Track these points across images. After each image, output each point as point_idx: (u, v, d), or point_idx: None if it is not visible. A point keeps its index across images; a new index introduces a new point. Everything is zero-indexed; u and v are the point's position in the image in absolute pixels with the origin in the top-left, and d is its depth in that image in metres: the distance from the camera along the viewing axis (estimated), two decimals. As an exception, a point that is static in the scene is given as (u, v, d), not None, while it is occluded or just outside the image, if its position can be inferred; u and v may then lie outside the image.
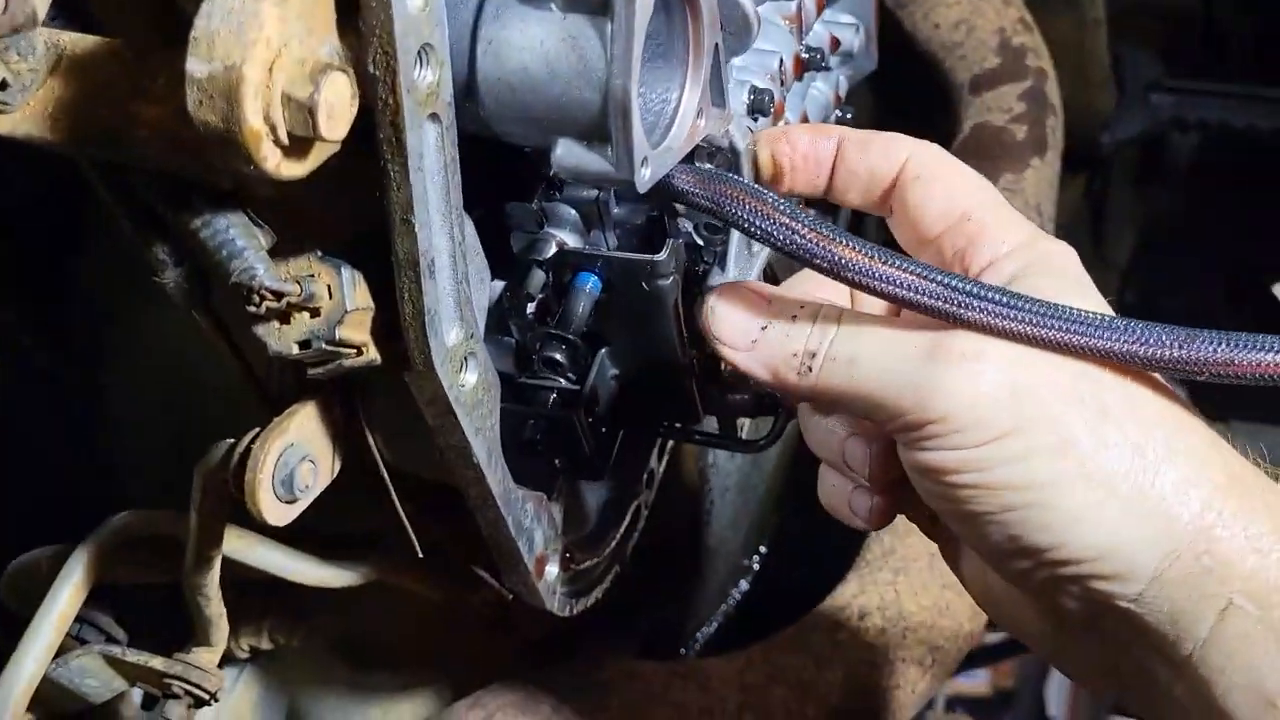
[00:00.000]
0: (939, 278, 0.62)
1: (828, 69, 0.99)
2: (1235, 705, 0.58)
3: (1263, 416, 1.84)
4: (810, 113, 0.95)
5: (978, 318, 0.61)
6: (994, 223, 0.67)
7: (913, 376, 0.61)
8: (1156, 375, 0.63)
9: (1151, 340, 0.60)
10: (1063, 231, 1.99)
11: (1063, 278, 0.64)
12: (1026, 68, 1.34)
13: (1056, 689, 3.21)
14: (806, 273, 0.73)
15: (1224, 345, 0.59)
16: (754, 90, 0.78)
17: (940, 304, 0.61)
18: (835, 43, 0.96)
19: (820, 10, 0.91)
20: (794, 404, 0.93)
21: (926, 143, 0.71)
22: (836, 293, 0.73)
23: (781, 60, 0.82)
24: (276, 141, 0.55)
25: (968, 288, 0.61)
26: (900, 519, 1.05)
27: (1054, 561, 0.61)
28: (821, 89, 0.98)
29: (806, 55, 0.89)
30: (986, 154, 1.29)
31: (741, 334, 0.68)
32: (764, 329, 0.68)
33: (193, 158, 0.60)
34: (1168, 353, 0.60)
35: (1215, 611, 0.58)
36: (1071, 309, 0.61)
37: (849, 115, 1.01)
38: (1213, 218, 2.31)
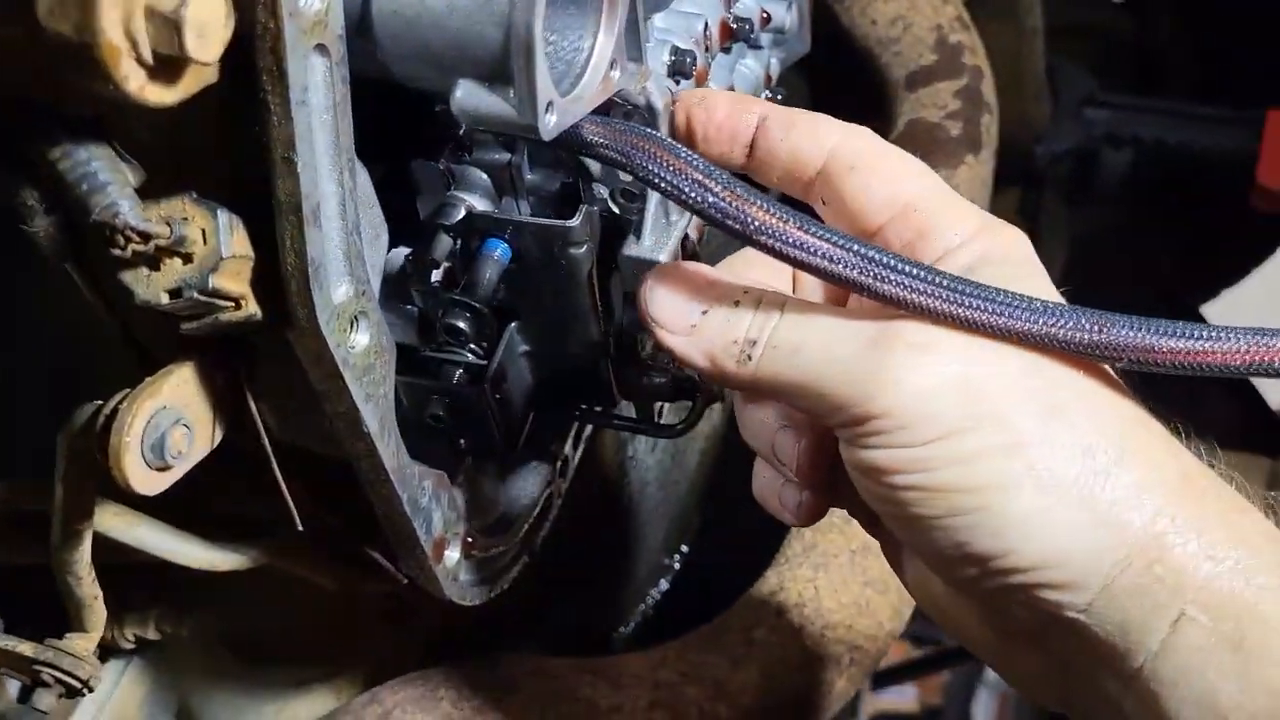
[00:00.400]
0: (856, 247, 0.59)
1: (759, 47, 0.96)
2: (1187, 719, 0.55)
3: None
4: (738, 88, 0.92)
5: (892, 290, 0.58)
6: (942, 212, 0.63)
7: (857, 367, 0.58)
8: (1109, 369, 0.60)
9: (1069, 323, 0.57)
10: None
11: (1019, 265, 0.61)
12: (963, 65, 1.33)
13: (984, 706, 3.22)
14: (746, 255, 0.70)
15: (1143, 331, 0.56)
16: (675, 51, 0.75)
17: (856, 275, 0.58)
18: (766, 18, 0.92)
19: (750, -20, 0.88)
20: (714, 391, 0.90)
21: (857, 128, 0.66)
22: (778, 278, 0.70)
23: (707, 24, 0.79)
24: (139, 60, 0.50)
25: (884, 259, 0.58)
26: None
27: (1001, 570, 0.57)
28: (751, 66, 0.95)
29: (735, 24, 0.86)
30: (921, 150, 1.27)
31: (680, 318, 0.64)
32: (704, 314, 0.64)
33: (50, 82, 0.55)
34: (1085, 336, 0.57)
35: (1167, 623, 0.55)
36: (987, 287, 0.58)
37: (779, 98, 0.98)
38: (1145, 234, 2.33)
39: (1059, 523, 0.56)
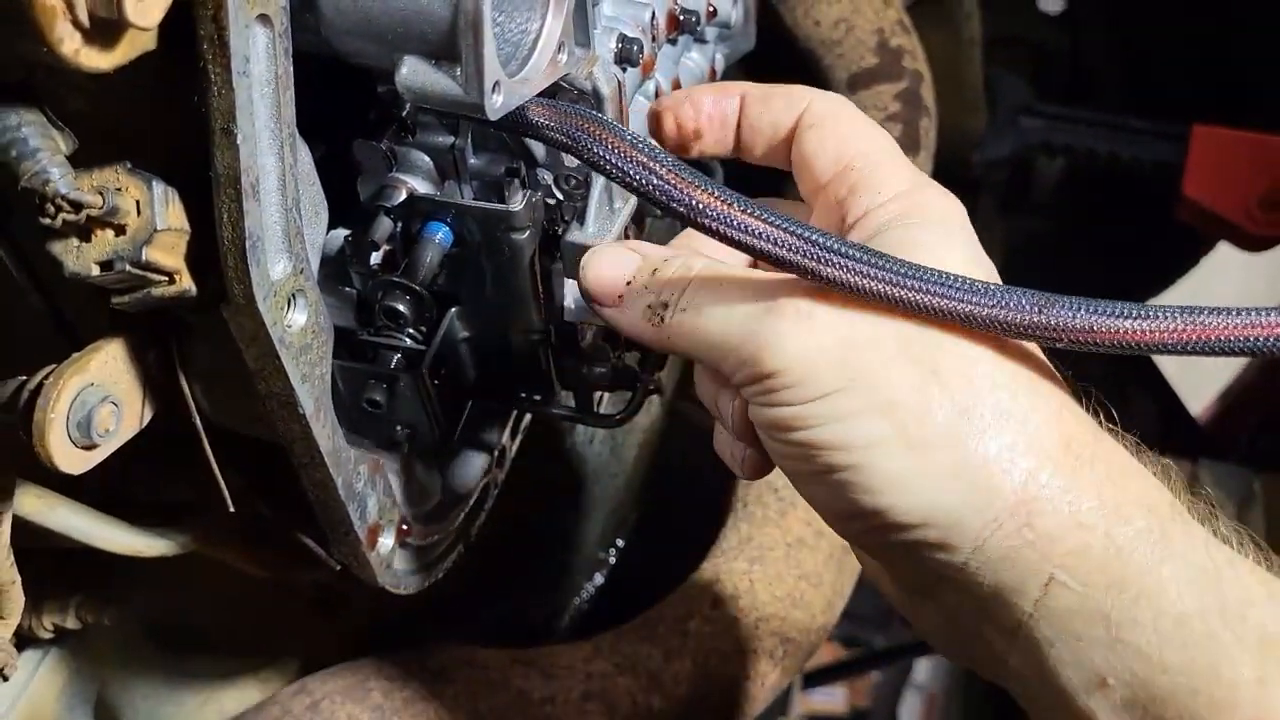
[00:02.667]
0: (797, 230, 0.59)
1: (704, 41, 0.96)
2: (1066, 680, 0.57)
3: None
4: (683, 82, 0.92)
5: (835, 274, 0.59)
6: (875, 171, 0.65)
7: (750, 329, 0.60)
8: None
9: (1010, 304, 0.57)
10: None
11: (940, 226, 0.62)
12: (903, 69, 1.35)
13: (910, 709, 3.26)
14: (692, 233, 0.71)
15: (1083, 311, 0.57)
16: (623, 39, 0.75)
17: (798, 257, 0.59)
18: (712, 11, 0.93)
19: (697, -27, 0.89)
20: (652, 383, 0.90)
21: (828, 94, 0.70)
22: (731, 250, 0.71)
23: (654, 14, 0.79)
24: (75, 22, 0.49)
25: (827, 243, 0.59)
26: (755, 503, 1.02)
27: (881, 526, 0.59)
28: (697, 60, 0.95)
29: (681, 16, 0.86)
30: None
31: (610, 290, 0.67)
32: (628, 284, 0.67)
33: (-20, 42, 0.53)
34: (1026, 317, 0.57)
35: (1038, 585, 0.57)
36: (931, 270, 0.59)
37: (725, 91, 0.99)
38: (1075, 242, 2.38)
39: (930, 481, 0.57)
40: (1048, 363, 0.62)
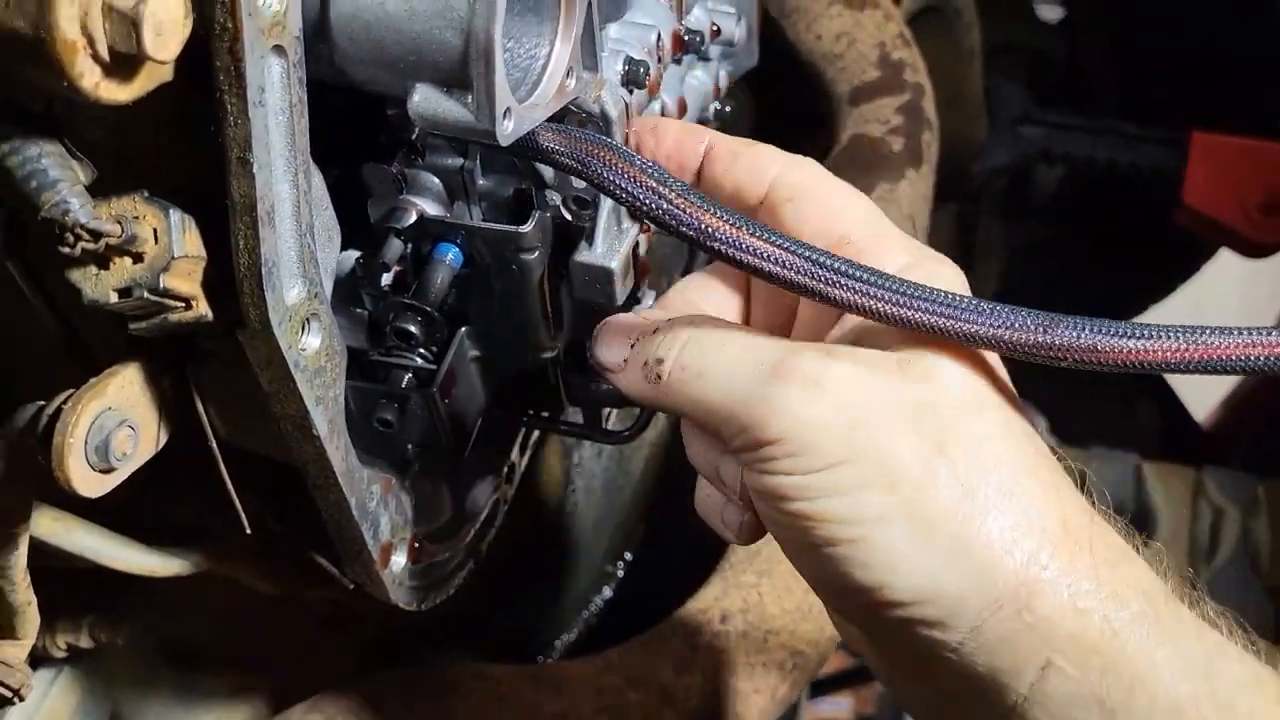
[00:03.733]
0: (805, 252, 0.60)
1: (708, 58, 0.97)
2: None
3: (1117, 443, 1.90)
4: (689, 100, 0.92)
5: (843, 295, 0.59)
6: (875, 244, 0.64)
7: (754, 393, 0.59)
8: (1012, 410, 0.61)
9: (1016, 324, 0.58)
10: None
11: None
12: (905, 82, 1.36)
13: (915, 715, 3.26)
14: (696, 280, 0.73)
15: (1087, 331, 0.57)
16: (629, 61, 0.76)
17: (806, 280, 0.60)
18: (716, 30, 0.94)
19: (702, -7, 0.90)
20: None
21: (798, 160, 0.68)
22: (729, 302, 0.72)
23: (659, 36, 0.80)
24: (95, 57, 0.50)
25: (834, 264, 0.59)
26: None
27: (878, 603, 0.58)
28: (701, 78, 0.96)
29: (686, 36, 0.87)
30: (863, 164, 1.29)
31: (616, 355, 0.67)
32: (632, 346, 0.66)
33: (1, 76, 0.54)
34: (1031, 337, 0.58)
35: (1035, 669, 0.56)
36: (936, 290, 0.59)
37: (728, 109, 1.00)
38: (1076, 250, 2.39)
39: (930, 560, 0.56)
40: (1044, 443, 0.62)
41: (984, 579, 0.56)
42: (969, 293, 0.64)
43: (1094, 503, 0.61)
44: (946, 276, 0.64)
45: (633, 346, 0.66)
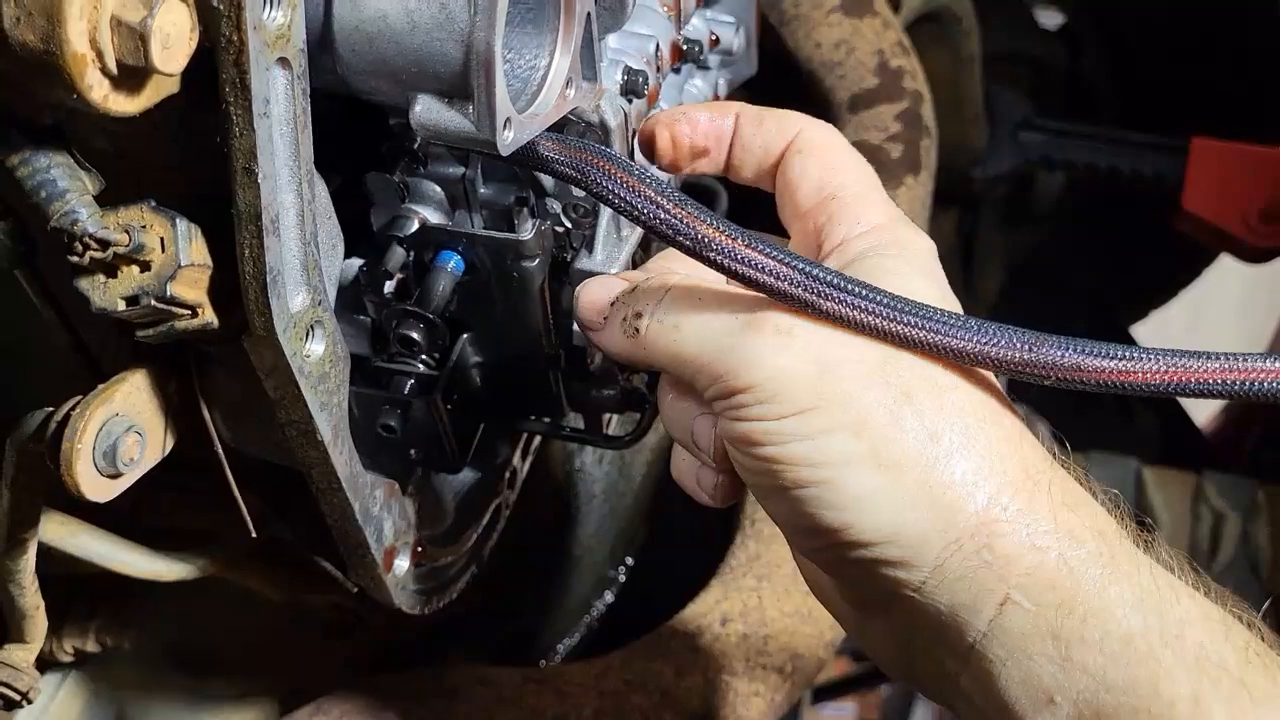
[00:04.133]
0: (800, 265, 0.61)
1: (707, 68, 0.98)
2: (1015, 698, 0.58)
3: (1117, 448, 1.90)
4: (687, 109, 0.93)
5: (834, 308, 0.61)
6: (856, 202, 0.67)
7: (728, 344, 0.62)
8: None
9: (1001, 342, 0.60)
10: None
11: (910, 262, 0.64)
12: (903, 89, 1.37)
13: (921, 720, 3.26)
14: (669, 253, 0.73)
15: (1071, 351, 0.59)
16: (628, 70, 0.77)
17: (799, 291, 0.61)
18: (714, 39, 0.95)
19: (700, 3, 0.91)
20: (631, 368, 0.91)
21: (819, 122, 0.71)
22: (707, 274, 0.73)
23: (658, 45, 0.81)
24: (104, 70, 0.51)
25: (827, 278, 0.61)
26: (764, 521, 1.03)
27: (842, 543, 0.60)
28: (700, 86, 0.97)
29: (685, 46, 0.88)
30: (862, 171, 1.30)
31: (597, 313, 0.70)
32: (612, 304, 0.69)
33: (11, 89, 0.55)
34: (1017, 355, 0.60)
35: (994, 605, 0.58)
36: (927, 307, 0.61)
37: (729, 116, 1.01)
38: (1076, 256, 2.40)
39: (896, 501, 0.59)
40: (1005, 394, 0.64)
41: (946, 520, 0.58)
42: (938, 265, 0.67)
43: (1054, 451, 0.63)
44: (915, 246, 0.66)
45: (612, 304, 0.68)
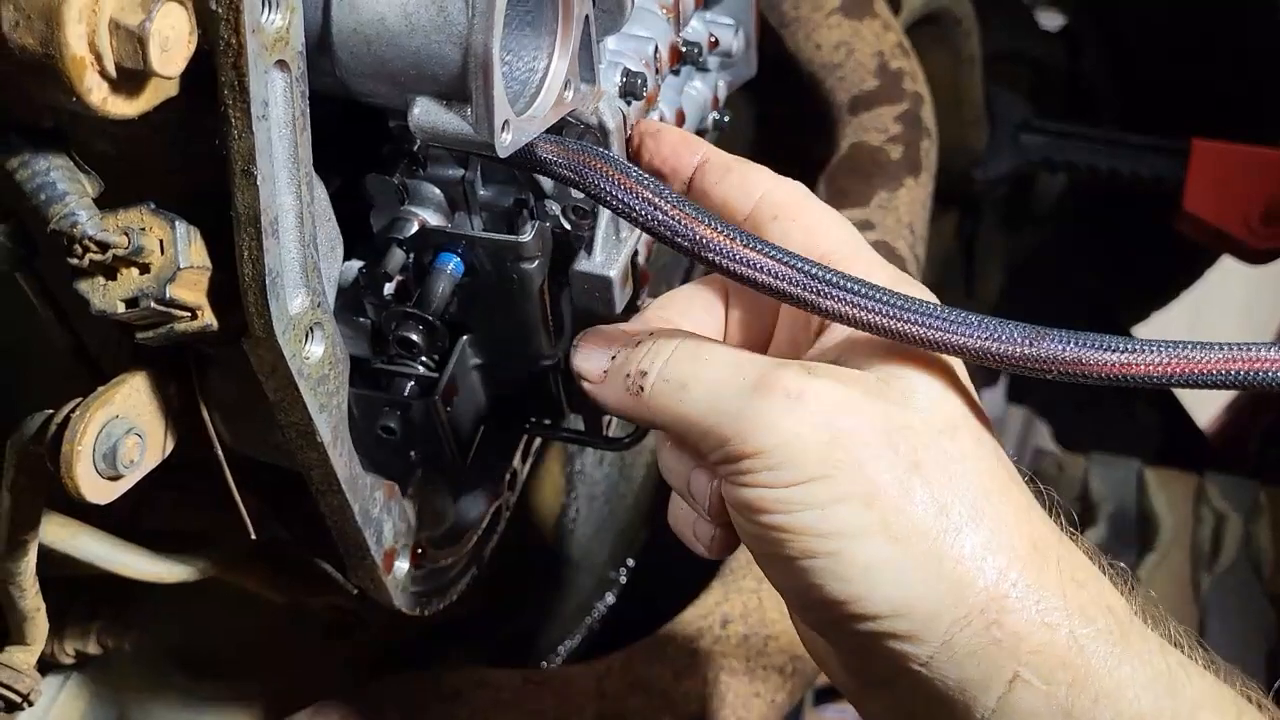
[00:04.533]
0: (799, 264, 0.61)
1: (707, 69, 0.98)
2: None
3: (1120, 448, 1.90)
4: (687, 110, 0.94)
5: (834, 306, 0.60)
6: (852, 264, 0.65)
7: (736, 407, 0.60)
8: (985, 432, 0.62)
9: (1002, 336, 0.59)
10: (935, 266, 2.05)
11: None
12: (904, 91, 1.37)
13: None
14: (682, 293, 0.73)
15: (1072, 344, 0.59)
16: (627, 73, 0.77)
17: (799, 291, 0.61)
18: (714, 41, 0.95)
19: (699, 5, 0.91)
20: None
21: (785, 181, 0.70)
22: (709, 314, 0.72)
23: (657, 48, 0.81)
24: (103, 73, 0.51)
25: (827, 276, 0.60)
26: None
27: (849, 615, 0.59)
28: (700, 88, 0.97)
29: (684, 48, 0.88)
30: (863, 172, 1.30)
31: (597, 367, 0.68)
32: (612, 359, 0.67)
33: (10, 92, 0.55)
34: (1018, 349, 0.59)
35: (1003, 682, 0.57)
36: (926, 303, 0.60)
37: (726, 119, 1.01)
38: (1077, 257, 2.40)
39: (905, 574, 0.57)
40: (1014, 467, 0.63)
41: (955, 594, 0.57)
42: None
43: (1061, 524, 0.63)
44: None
45: (613, 358, 0.67)
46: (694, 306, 0.72)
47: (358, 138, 0.77)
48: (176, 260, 0.60)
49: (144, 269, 0.60)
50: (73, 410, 0.65)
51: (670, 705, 0.97)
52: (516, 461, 0.98)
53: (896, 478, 0.58)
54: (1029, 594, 0.57)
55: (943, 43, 1.86)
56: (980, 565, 0.58)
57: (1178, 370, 0.58)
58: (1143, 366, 0.58)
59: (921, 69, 1.42)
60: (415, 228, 0.78)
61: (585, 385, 0.69)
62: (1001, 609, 0.57)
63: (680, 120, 0.92)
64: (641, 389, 0.64)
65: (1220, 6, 2.05)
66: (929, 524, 0.58)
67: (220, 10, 0.53)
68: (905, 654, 0.59)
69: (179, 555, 0.89)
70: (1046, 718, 0.57)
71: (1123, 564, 0.64)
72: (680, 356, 0.64)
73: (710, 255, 0.62)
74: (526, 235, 0.76)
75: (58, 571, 0.86)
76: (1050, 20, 2.37)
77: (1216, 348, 0.57)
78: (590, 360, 0.68)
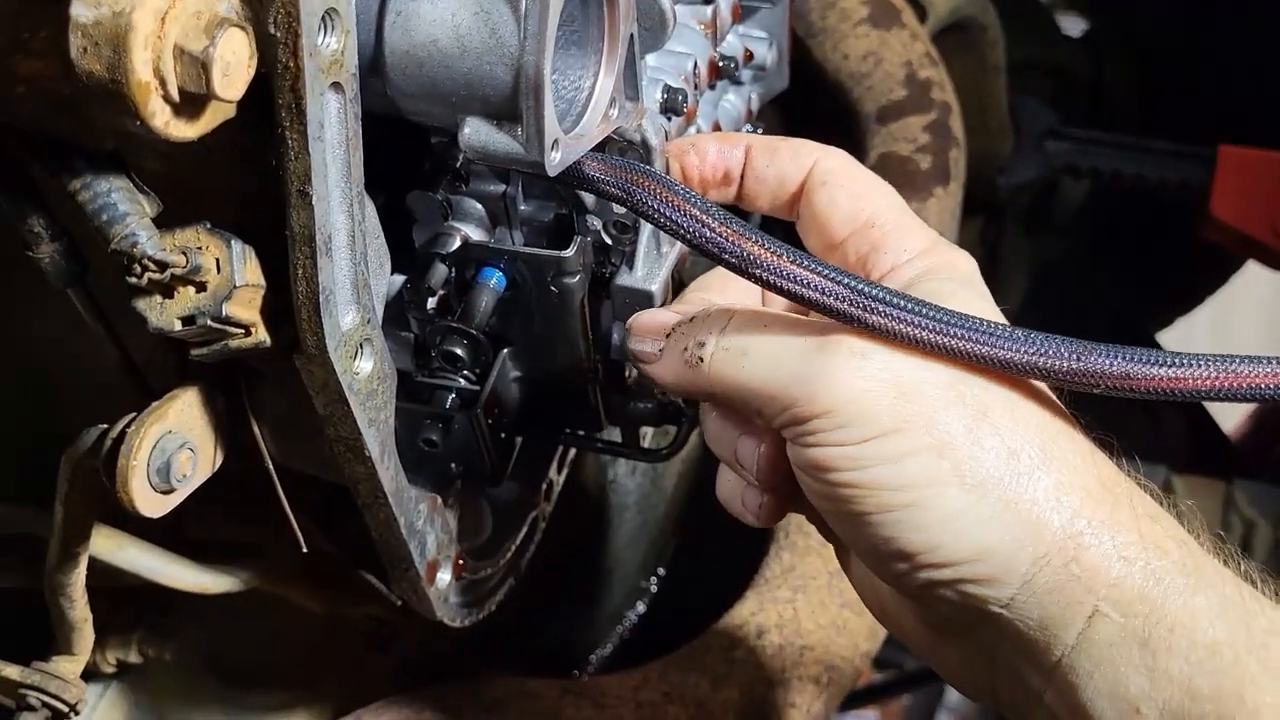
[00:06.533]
0: (846, 280, 0.62)
1: (740, 82, 0.99)
2: (1101, 711, 0.59)
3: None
4: (722, 123, 0.94)
5: (881, 322, 0.61)
6: (898, 229, 0.68)
7: (801, 369, 0.61)
8: (1040, 383, 0.64)
9: (1050, 351, 0.60)
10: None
11: (961, 283, 0.65)
12: (932, 100, 1.37)
13: (944, 729, 3.25)
14: (720, 272, 0.74)
15: (1120, 359, 0.60)
16: (668, 89, 0.78)
17: (845, 306, 0.61)
18: (749, 55, 0.96)
19: (735, 19, 0.91)
20: (697, 402, 0.92)
21: (833, 149, 0.72)
22: (749, 294, 0.74)
23: (696, 63, 0.82)
24: (166, 97, 0.52)
25: (874, 292, 0.61)
26: (797, 532, 1.03)
27: (929, 564, 0.61)
28: (733, 101, 0.98)
29: (721, 62, 0.89)
30: (891, 182, 1.30)
31: (651, 347, 0.69)
32: (668, 335, 0.68)
33: (74, 117, 0.56)
34: (1065, 364, 0.60)
35: (1082, 618, 0.59)
36: (972, 318, 0.61)
37: (759, 131, 1.02)
38: (1101, 264, 2.39)
39: (983, 520, 0.59)
40: (1069, 411, 0.64)
41: (1033, 535, 0.59)
42: (981, 282, 0.67)
43: (1123, 467, 0.64)
44: (961, 265, 0.67)
45: (669, 335, 0.68)
46: (730, 285, 0.74)
47: (399, 154, 0.78)
48: (232, 279, 0.61)
49: (200, 287, 0.61)
50: (128, 425, 0.66)
51: (707, 715, 0.97)
52: (552, 472, 0.99)
53: (966, 426, 0.60)
54: (1104, 531, 0.59)
55: (968, 50, 1.86)
56: (1055, 506, 0.59)
57: (1226, 384, 0.58)
58: (1191, 380, 0.59)
59: (949, 78, 1.43)
60: (458, 243, 0.78)
61: (641, 365, 0.70)
62: (1079, 545, 0.59)
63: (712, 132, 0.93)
64: (701, 360, 0.65)
65: (1241, 11, 2.04)
66: (1001, 469, 0.59)
67: (279, 34, 0.54)
68: (986, 598, 0.60)
69: (223, 567, 0.90)
70: (1123, 648, 0.58)
71: (1190, 503, 0.65)
72: (739, 324, 0.65)
73: (758, 271, 0.62)
74: (569, 250, 0.76)
75: (99, 582, 0.87)
76: (1072, 26, 2.37)
77: (1265, 361, 0.58)
78: (644, 341, 0.70)
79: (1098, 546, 0.59)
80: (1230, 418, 2.39)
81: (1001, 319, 0.65)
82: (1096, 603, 0.58)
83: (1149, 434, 2.17)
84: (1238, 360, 0.58)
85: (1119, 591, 0.58)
